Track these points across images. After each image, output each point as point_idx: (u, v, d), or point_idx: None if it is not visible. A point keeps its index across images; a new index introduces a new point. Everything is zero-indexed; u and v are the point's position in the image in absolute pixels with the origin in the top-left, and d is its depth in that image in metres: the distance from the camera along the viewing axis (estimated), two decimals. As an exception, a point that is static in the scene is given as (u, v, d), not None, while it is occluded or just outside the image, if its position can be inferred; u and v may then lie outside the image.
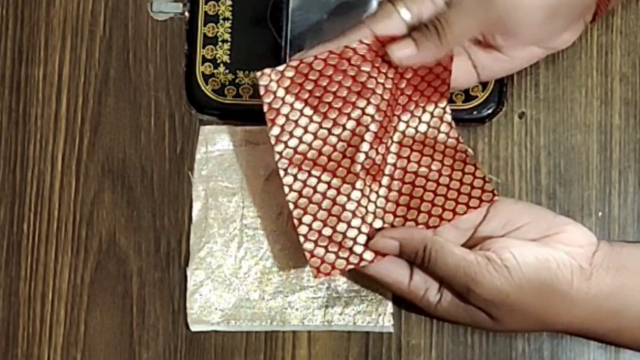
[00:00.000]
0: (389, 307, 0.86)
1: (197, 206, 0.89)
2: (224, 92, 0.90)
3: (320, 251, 0.79)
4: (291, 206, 0.80)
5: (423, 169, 0.82)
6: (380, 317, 0.86)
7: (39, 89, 0.90)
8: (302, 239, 0.80)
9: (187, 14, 0.91)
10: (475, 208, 0.81)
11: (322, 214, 0.80)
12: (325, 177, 0.80)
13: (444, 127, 0.83)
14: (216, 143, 0.89)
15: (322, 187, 0.80)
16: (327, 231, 0.80)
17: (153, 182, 0.89)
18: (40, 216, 0.89)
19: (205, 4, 0.90)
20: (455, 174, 0.82)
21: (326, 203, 0.80)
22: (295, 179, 0.80)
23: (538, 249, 0.78)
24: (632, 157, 0.88)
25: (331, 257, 0.79)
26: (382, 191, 0.82)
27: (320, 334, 0.87)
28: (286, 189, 0.80)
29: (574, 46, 0.87)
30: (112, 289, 0.88)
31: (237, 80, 0.90)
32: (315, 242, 0.79)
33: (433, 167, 0.82)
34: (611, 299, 0.78)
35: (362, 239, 0.80)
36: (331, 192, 0.80)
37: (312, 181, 0.80)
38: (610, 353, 0.85)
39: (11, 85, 0.91)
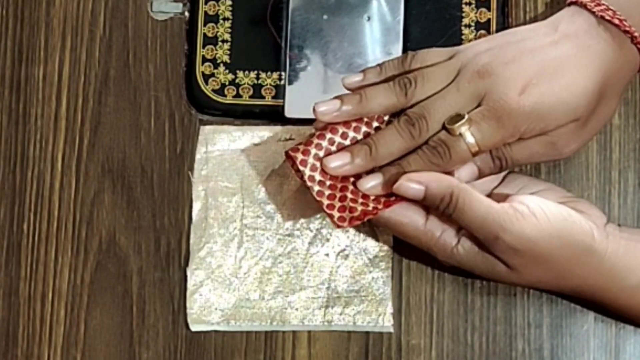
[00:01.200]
0: (389, 307, 0.86)
1: (197, 206, 0.89)
2: (224, 92, 0.90)
3: (336, 203, 0.80)
4: (306, 173, 0.81)
5: None
6: (380, 317, 0.86)
7: (39, 89, 0.90)
8: (316, 193, 0.80)
9: (187, 14, 0.91)
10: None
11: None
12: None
13: None
14: (216, 143, 0.89)
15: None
16: (340, 186, 0.81)
17: (153, 182, 0.89)
18: (40, 216, 0.89)
19: (205, 4, 0.90)
20: None
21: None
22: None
23: (560, 205, 0.79)
24: (632, 157, 0.88)
25: (348, 206, 0.80)
26: None
27: (320, 334, 0.87)
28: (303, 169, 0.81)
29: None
30: (112, 289, 0.88)
31: (237, 80, 0.90)
32: (331, 195, 0.80)
33: None
34: (626, 258, 0.79)
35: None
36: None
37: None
38: (610, 353, 0.86)
39: (11, 85, 0.91)
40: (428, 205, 0.79)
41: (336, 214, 0.80)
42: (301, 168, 0.80)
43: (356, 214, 0.80)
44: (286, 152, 0.81)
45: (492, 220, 0.77)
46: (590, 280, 0.80)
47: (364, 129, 0.82)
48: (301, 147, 0.81)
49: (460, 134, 0.77)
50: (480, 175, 0.80)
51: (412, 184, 0.78)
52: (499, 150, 0.79)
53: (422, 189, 0.78)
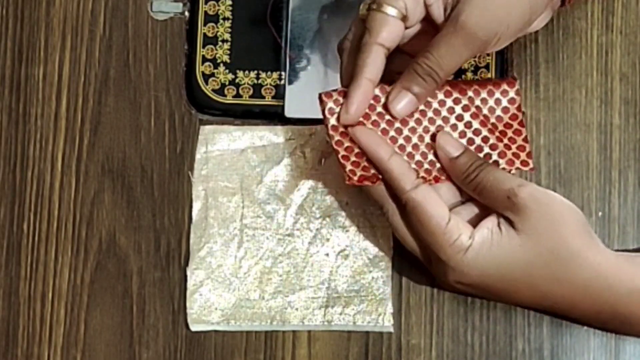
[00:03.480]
0: (389, 307, 0.86)
1: (197, 206, 0.89)
2: (224, 92, 0.90)
3: (352, 156, 0.80)
4: (330, 121, 0.80)
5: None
6: (380, 317, 0.86)
7: (39, 89, 0.90)
8: (335, 142, 0.80)
9: (187, 13, 0.91)
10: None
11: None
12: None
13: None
14: (216, 143, 0.89)
15: None
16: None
17: (153, 182, 0.89)
18: (40, 216, 0.89)
19: (205, 3, 0.90)
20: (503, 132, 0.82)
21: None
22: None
23: None
24: (632, 156, 0.88)
25: (362, 164, 0.80)
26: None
27: (320, 333, 0.87)
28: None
29: (574, 46, 0.88)
30: (112, 289, 0.88)
31: (237, 80, 0.90)
32: (349, 148, 0.80)
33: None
34: (616, 270, 0.79)
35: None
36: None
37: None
38: (610, 353, 0.85)
39: (11, 85, 0.91)
40: (455, 168, 0.80)
41: (348, 166, 0.80)
42: (327, 116, 0.79)
43: (368, 174, 0.80)
44: (319, 95, 0.80)
45: (514, 177, 0.79)
46: (601, 268, 0.79)
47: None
48: (334, 95, 0.80)
49: None
50: (417, 96, 0.80)
51: (455, 140, 0.81)
52: (427, 65, 0.80)
53: (461, 146, 0.80)
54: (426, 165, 0.81)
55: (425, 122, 0.81)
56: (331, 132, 0.80)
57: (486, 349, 0.86)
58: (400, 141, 0.80)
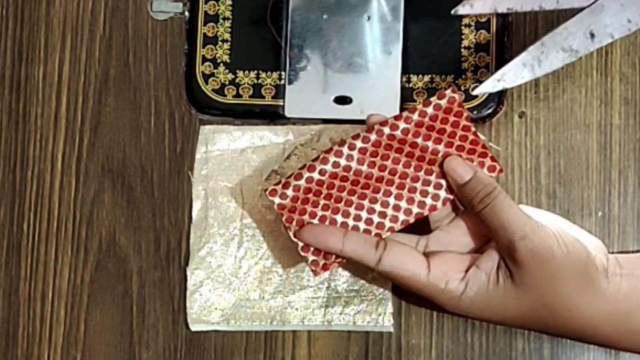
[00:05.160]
0: (389, 307, 0.86)
1: (197, 206, 0.89)
2: (224, 91, 0.90)
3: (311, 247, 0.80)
4: (284, 214, 0.81)
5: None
6: (380, 317, 0.87)
7: (39, 89, 0.90)
8: (293, 234, 0.80)
9: (187, 13, 0.91)
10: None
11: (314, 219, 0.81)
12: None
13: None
14: (216, 143, 0.89)
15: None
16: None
17: (153, 182, 0.89)
18: (40, 216, 0.89)
19: (205, 3, 0.90)
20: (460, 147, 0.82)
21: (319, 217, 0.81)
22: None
23: (576, 234, 0.81)
24: (632, 157, 0.88)
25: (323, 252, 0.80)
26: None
27: (320, 333, 0.87)
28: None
29: (574, 46, 0.88)
30: (112, 289, 0.88)
31: (237, 80, 0.90)
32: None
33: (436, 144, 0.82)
34: (626, 301, 0.79)
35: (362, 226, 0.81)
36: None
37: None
38: (610, 353, 0.85)
39: (11, 84, 0.91)
40: (464, 193, 0.80)
41: (310, 257, 0.80)
42: (279, 211, 0.80)
43: (330, 260, 0.80)
44: (265, 191, 0.81)
45: (521, 222, 0.77)
46: (594, 321, 0.79)
47: (334, 159, 0.81)
48: (279, 190, 0.80)
49: None
50: None
51: (466, 164, 0.80)
52: None
53: (471, 171, 0.80)
54: (390, 213, 0.81)
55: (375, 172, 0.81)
56: (287, 224, 0.80)
57: (486, 349, 0.86)
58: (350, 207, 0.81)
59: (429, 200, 0.81)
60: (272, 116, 0.89)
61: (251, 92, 0.89)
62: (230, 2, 0.90)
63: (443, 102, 0.81)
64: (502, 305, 0.79)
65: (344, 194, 0.81)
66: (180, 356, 0.88)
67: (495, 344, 0.86)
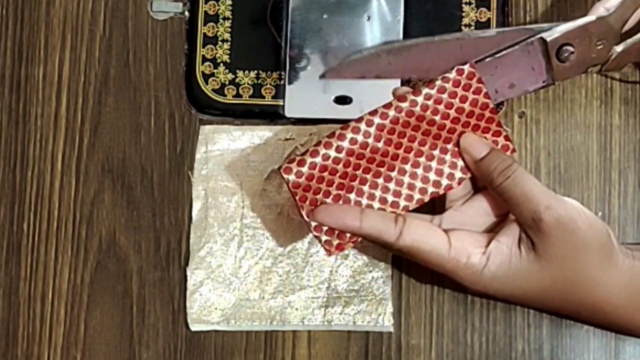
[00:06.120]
0: (389, 307, 0.87)
1: (197, 206, 0.89)
2: (224, 91, 0.90)
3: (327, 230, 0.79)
4: (298, 194, 0.79)
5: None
6: (380, 317, 0.87)
7: (38, 89, 0.90)
8: (306, 214, 0.79)
9: (187, 13, 0.91)
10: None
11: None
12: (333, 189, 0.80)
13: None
14: (216, 143, 0.89)
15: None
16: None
17: (153, 182, 0.89)
18: (40, 216, 0.89)
19: (205, 3, 0.90)
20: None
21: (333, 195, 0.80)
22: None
23: None
24: (632, 157, 0.88)
25: (337, 232, 0.79)
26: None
27: (320, 333, 0.87)
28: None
29: (574, 46, 0.88)
30: (112, 289, 0.88)
31: (237, 80, 0.90)
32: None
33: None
34: (626, 292, 0.79)
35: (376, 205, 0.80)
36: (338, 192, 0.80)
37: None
38: (610, 353, 0.86)
39: (11, 84, 0.91)
40: (482, 168, 0.79)
41: (323, 237, 0.79)
42: (293, 189, 0.78)
43: (344, 240, 0.79)
44: (279, 168, 0.79)
45: (545, 193, 0.77)
46: (612, 295, 0.79)
47: (352, 135, 0.79)
48: (294, 167, 0.78)
49: None
50: None
51: (481, 141, 0.80)
52: None
53: (487, 146, 0.79)
54: (405, 191, 0.81)
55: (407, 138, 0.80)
56: (300, 204, 0.79)
57: (486, 349, 0.86)
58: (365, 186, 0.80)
59: (444, 180, 0.80)
60: (272, 116, 0.89)
61: (251, 92, 0.89)
62: (230, 2, 0.90)
63: (462, 77, 0.79)
64: (523, 279, 0.78)
65: (359, 172, 0.79)
66: (180, 356, 0.88)
67: (495, 344, 0.86)
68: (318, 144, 0.78)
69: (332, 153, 0.78)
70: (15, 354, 0.88)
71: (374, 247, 0.87)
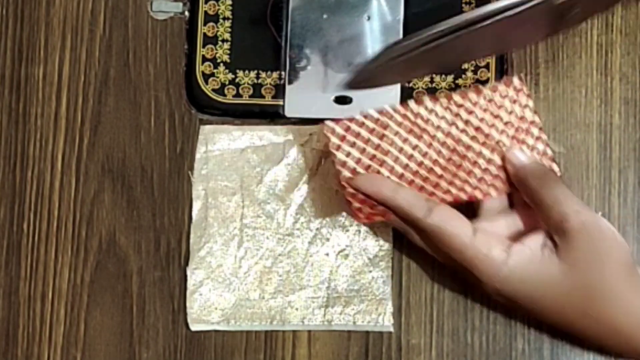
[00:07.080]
0: (389, 306, 0.87)
1: (197, 206, 0.89)
2: (224, 91, 0.90)
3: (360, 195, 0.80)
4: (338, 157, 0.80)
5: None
6: (380, 316, 0.87)
7: (38, 89, 0.90)
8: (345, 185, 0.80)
9: (187, 13, 0.91)
10: None
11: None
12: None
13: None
14: (216, 142, 0.89)
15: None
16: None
17: (153, 181, 0.89)
18: (40, 216, 0.89)
19: (205, 3, 0.90)
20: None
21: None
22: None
23: None
24: (632, 156, 0.88)
25: (370, 202, 0.80)
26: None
27: (320, 333, 0.87)
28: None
29: (574, 46, 0.88)
30: (112, 289, 0.88)
31: (237, 80, 0.90)
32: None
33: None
34: None
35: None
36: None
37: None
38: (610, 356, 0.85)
39: (11, 84, 0.91)
40: (520, 174, 0.80)
41: (355, 204, 0.80)
42: (334, 152, 0.80)
43: (376, 211, 0.80)
44: (325, 125, 0.80)
45: (575, 200, 0.78)
46: (632, 318, 0.77)
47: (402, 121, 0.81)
48: (337, 129, 0.80)
49: None
50: None
51: (522, 153, 0.81)
52: None
53: (528, 158, 0.81)
54: (443, 184, 0.81)
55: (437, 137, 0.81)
56: (339, 168, 0.80)
57: (486, 349, 0.86)
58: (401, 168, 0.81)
59: (484, 186, 0.81)
60: (272, 116, 0.89)
61: (251, 92, 0.89)
62: (230, 2, 0.90)
63: (510, 90, 0.81)
64: (542, 282, 0.78)
65: (402, 156, 0.81)
66: (180, 356, 0.88)
67: (495, 343, 0.86)
68: (367, 116, 0.80)
69: (379, 129, 0.80)
70: (15, 354, 0.88)
71: (375, 244, 0.87)
